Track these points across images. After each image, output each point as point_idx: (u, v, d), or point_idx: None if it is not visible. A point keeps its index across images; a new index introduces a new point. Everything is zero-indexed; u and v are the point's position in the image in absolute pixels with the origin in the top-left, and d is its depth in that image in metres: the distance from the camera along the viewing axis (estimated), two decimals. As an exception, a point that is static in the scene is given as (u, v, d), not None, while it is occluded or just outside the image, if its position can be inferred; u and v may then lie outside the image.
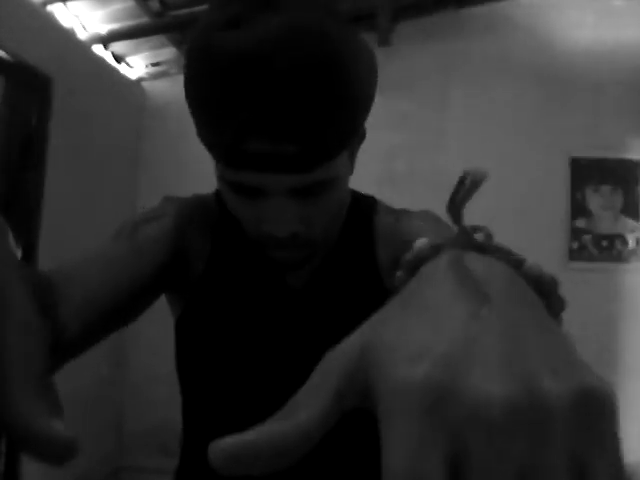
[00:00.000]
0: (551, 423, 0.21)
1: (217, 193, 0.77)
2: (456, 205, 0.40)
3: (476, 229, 0.39)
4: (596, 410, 0.23)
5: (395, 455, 0.20)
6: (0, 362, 0.23)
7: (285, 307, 0.71)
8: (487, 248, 0.34)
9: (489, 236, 0.36)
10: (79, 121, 2.74)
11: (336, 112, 0.51)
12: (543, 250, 3.25)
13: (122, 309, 0.60)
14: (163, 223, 0.67)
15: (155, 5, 2.79)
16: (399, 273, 0.34)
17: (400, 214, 0.77)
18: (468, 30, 3.38)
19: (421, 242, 0.34)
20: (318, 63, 0.48)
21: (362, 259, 0.73)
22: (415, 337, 0.23)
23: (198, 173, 3.47)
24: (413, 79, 3.40)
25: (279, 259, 0.65)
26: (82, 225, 2.82)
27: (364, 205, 0.79)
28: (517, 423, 0.20)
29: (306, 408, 0.24)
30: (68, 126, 2.61)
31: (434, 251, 0.33)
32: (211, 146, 0.56)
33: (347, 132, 0.55)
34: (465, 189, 0.41)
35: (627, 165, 3.26)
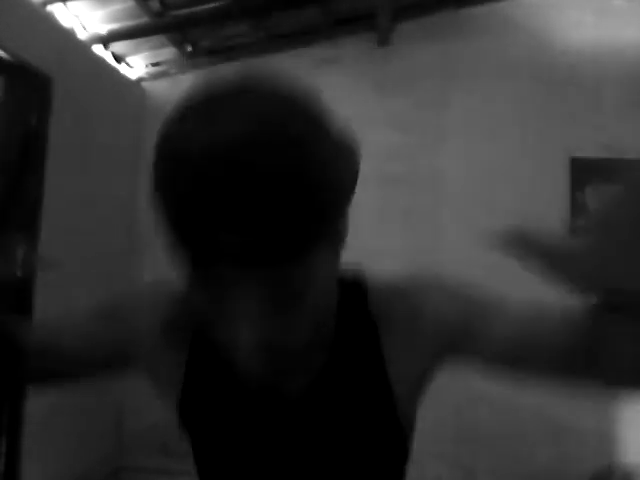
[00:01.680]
0: None
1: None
2: None
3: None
4: None
5: None
6: None
7: (279, 423, 0.62)
8: None
9: None
10: (79, 121, 2.73)
11: (302, 211, 0.46)
12: (543, 250, 3.25)
13: (78, 372, 0.70)
14: (137, 320, 0.68)
15: (155, 5, 2.79)
16: None
17: (407, 293, 0.65)
18: (468, 30, 3.38)
19: None
20: (282, 166, 0.45)
21: (367, 376, 0.63)
22: None
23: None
24: (413, 79, 3.40)
25: (253, 377, 0.58)
26: (82, 225, 2.82)
27: (352, 285, 0.67)
28: None
29: None
30: (68, 126, 2.61)
31: None
32: (181, 244, 0.49)
33: (318, 229, 0.49)
34: None
35: (627, 165, 3.26)
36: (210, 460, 0.68)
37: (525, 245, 0.45)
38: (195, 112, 0.49)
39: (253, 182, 0.44)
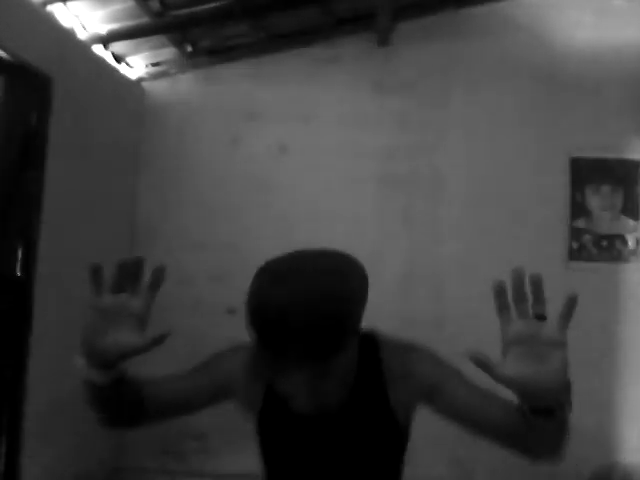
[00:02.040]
0: None
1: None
2: None
3: None
4: None
5: None
6: None
7: (319, 434, 1.04)
8: None
9: None
10: (79, 121, 2.73)
11: (334, 337, 0.84)
12: (543, 250, 3.25)
13: (185, 410, 1.10)
14: (231, 365, 1.08)
15: (155, 5, 2.78)
16: None
17: (405, 355, 1.04)
18: (468, 30, 3.38)
19: None
20: (319, 317, 0.81)
21: (376, 401, 1.02)
22: None
23: (197, 172, 3.48)
24: (413, 79, 3.40)
25: (317, 408, 0.95)
26: (82, 225, 2.82)
27: (369, 345, 1.04)
28: None
29: None
30: (68, 126, 2.61)
31: None
32: (265, 351, 0.88)
33: (344, 343, 0.88)
34: None
35: (627, 165, 3.26)
36: (274, 461, 1.10)
37: (481, 366, 0.78)
38: (270, 281, 0.86)
39: (305, 323, 0.80)
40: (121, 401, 0.99)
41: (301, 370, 0.86)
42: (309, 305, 0.81)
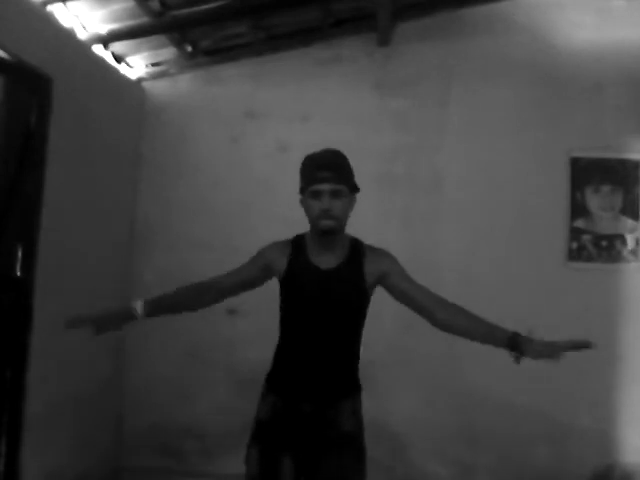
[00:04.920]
0: None
1: (294, 238, 1.82)
2: None
3: None
4: None
5: None
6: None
7: (322, 280, 1.72)
8: None
9: None
10: (79, 121, 2.73)
11: (344, 169, 1.71)
12: (543, 250, 3.25)
13: (244, 288, 1.83)
14: (263, 256, 1.81)
15: (155, 5, 2.78)
16: None
17: (377, 251, 1.80)
18: (468, 30, 3.38)
19: None
20: (338, 156, 1.73)
21: (357, 267, 1.74)
22: None
23: (197, 172, 3.48)
24: (413, 79, 3.40)
25: (323, 226, 1.67)
26: (82, 225, 2.82)
27: (358, 242, 1.81)
28: None
29: None
30: (68, 126, 2.61)
31: None
32: (307, 181, 1.69)
33: (348, 178, 1.71)
34: None
35: (627, 165, 3.26)
36: (290, 304, 1.77)
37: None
38: (315, 154, 1.74)
39: (333, 161, 1.70)
40: (173, 311, 1.77)
41: (327, 183, 1.64)
42: (335, 154, 1.71)
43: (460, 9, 3.36)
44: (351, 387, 1.78)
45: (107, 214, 3.12)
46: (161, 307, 1.69)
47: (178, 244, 3.35)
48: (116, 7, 2.73)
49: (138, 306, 1.63)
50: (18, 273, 2.39)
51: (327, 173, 1.63)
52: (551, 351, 1.51)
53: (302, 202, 1.72)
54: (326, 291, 1.71)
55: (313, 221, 1.69)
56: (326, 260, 1.72)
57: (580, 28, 3.32)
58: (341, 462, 1.68)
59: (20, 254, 2.40)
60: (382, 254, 1.78)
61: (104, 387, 3.19)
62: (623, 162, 3.26)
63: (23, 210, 2.40)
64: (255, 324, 3.22)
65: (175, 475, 3.29)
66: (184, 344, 3.36)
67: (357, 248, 1.76)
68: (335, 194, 1.64)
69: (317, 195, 1.65)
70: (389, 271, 1.72)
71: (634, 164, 3.26)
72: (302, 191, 1.71)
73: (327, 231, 1.67)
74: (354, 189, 1.72)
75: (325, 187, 1.63)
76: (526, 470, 3.21)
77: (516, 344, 1.54)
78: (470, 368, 3.20)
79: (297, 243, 1.77)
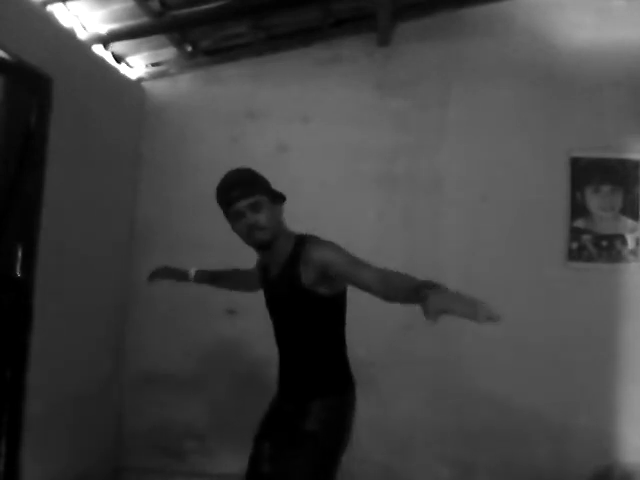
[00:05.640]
0: None
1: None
2: None
3: None
4: None
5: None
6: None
7: (269, 288, 1.86)
8: None
9: None
10: (79, 121, 2.73)
11: (255, 182, 1.76)
12: (542, 250, 3.25)
13: (244, 287, 2.25)
14: (254, 268, 2.10)
15: (155, 5, 2.78)
16: None
17: (309, 246, 1.71)
18: (468, 30, 3.38)
19: None
20: (245, 172, 1.79)
21: (292, 269, 1.72)
22: None
23: (197, 172, 3.47)
24: (413, 79, 3.40)
25: (256, 240, 1.72)
26: (82, 225, 2.82)
27: (302, 240, 1.76)
28: None
29: None
30: (68, 126, 2.61)
31: None
32: (224, 205, 1.74)
33: (262, 188, 1.75)
34: None
35: (627, 165, 3.26)
36: (268, 307, 1.90)
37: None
38: (223, 179, 1.78)
39: (241, 178, 1.77)
40: (220, 283, 2.25)
41: (243, 199, 1.67)
42: (241, 172, 1.76)
43: (460, 9, 3.36)
44: (321, 389, 1.76)
45: (107, 214, 3.12)
46: (210, 278, 2.20)
47: (178, 244, 3.35)
48: (116, 7, 2.73)
49: (192, 271, 2.18)
50: (18, 273, 2.39)
51: (238, 191, 1.68)
52: (446, 308, 1.28)
53: (232, 228, 1.74)
54: (274, 298, 1.84)
55: (245, 240, 1.73)
56: (273, 268, 1.80)
57: (580, 28, 3.31)
58: (293, 461, 1.70)
59: (20, 254, 2.40)
60: (320, 247, 1.69)
61: (104, 387, 3.19)
62: (623, 162, 3.26)
63: (23, 210, 2.40)
64: (255, 324, 3.20)
65: (175, 475, 3.29)
66: (184, 344, 3.36)
67: (297, 249, 1.72)
68: (254, 207, 1.68)
69: (239, 215, 1.69)
70: (327, 262, 1.64)
71: (634, 164, 3.26)
72: (227, 217, 1.74)
73: (261, 244, 1.73)
74: (276, 197, 1.75)
75: (242, 204, 1.67)
76: (526, 470, 3.21)
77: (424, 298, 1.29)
78: (470, 368, 3.20)
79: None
